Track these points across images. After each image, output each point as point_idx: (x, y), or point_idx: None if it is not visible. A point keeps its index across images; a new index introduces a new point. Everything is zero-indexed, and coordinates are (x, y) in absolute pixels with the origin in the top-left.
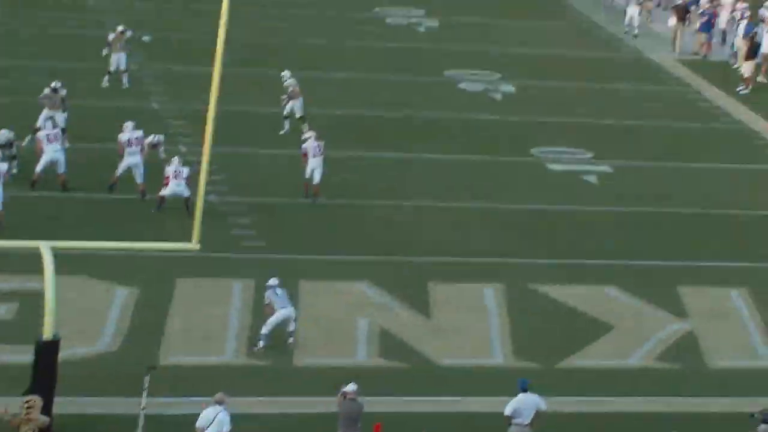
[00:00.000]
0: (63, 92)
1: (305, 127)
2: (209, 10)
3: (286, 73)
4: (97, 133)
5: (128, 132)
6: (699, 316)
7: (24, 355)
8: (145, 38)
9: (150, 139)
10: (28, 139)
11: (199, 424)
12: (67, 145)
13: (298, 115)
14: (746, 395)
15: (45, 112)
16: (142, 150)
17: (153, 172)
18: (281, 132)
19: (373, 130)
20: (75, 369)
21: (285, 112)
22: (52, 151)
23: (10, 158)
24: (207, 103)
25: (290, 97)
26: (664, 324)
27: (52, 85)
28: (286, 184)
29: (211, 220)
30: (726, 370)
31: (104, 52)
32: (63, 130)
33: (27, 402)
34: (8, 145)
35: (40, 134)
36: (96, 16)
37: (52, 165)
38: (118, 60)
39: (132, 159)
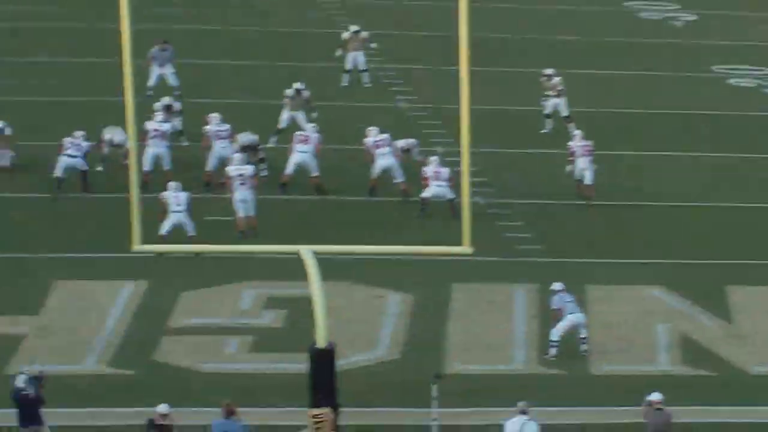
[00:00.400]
0: (307, 93)
1: (572, 126)
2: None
3: (550, 71)
4: (344, 133)
5: (372, 135)
6: None
7: (295, 364)
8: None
9: (402, 143)
10: (273, 140)
11: None
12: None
13: (563, 114)
14: None
15: (287, 113)
16: (393, 151)
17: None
18: (543, 131)
19: (640, 129)
20: (355, 378)
21: (547, 111)
22: (299, 152)
23: (258, 161)
24: (457, 103)
25: (553, 95)
26: None
27: (296, 85)
28: (555, 185)
29: (480, 223)
30: None
31: (338, 52)
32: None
33: (317, 416)
34: (252, 147)
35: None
36: (325, 14)
37: (301, 167)
38: (354, 59)
39: (384, 161)
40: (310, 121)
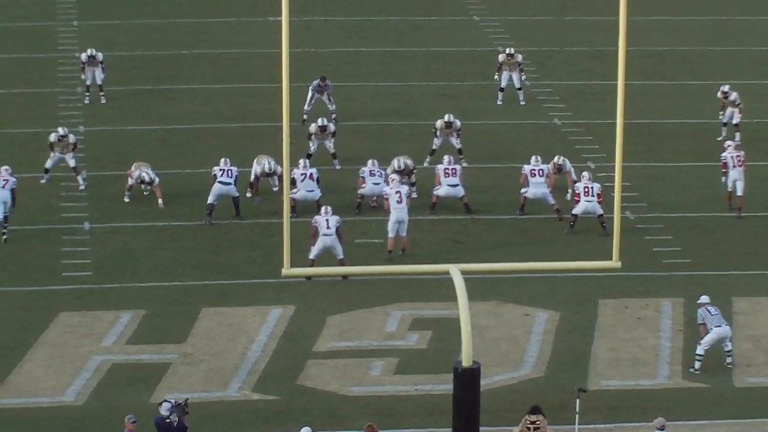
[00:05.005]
0: (458, 123)
1: (738, 135)
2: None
3: (727, 87)
4: (495, 153)
5: (533, 163)
6: None
7: (439, 385)
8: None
9: (555, 160)
10: (427, 161)
11: None
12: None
13: (734, 122)
14: None
15: (438, 139)
16: (546, 179)
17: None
18: (718, 138)
19: None
20: (497, 397)
21: (725, 120)
22: (447, 186)
23: (410, 184)
24: (612, 118)
25: (726, 106)
26: None
27: (446, 118)
28: (706, 198)
29: (630, 237)
30: None
31: (495, 77)
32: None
33: (534, 422)
34: (405, 171)
35: (439, 167)
36: (480, 34)
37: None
38: (509, 78)
39: (537, 189)
40: (459, 151)
